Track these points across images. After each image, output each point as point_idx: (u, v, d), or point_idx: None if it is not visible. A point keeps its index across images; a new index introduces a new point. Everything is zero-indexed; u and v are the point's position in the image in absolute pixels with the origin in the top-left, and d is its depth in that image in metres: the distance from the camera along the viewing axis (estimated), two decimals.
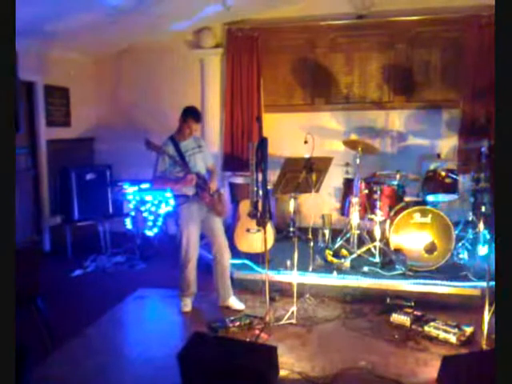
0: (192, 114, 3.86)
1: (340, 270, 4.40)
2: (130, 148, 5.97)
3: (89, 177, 5.78)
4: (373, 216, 4.73)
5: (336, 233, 5.09)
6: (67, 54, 6.00)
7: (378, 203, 4.67)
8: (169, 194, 5.40)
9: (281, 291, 4.19)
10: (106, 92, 6.58)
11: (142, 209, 5.84)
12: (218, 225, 4.01)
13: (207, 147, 4.20)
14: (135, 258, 5.45)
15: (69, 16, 4.63)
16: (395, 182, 4.82)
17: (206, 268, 4.19)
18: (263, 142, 3.55)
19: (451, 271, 4.30)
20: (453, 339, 3.33)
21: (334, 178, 5.23)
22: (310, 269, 4.38)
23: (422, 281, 4.14)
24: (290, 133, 5.95)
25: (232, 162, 6.14)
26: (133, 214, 5.88)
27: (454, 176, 4.66)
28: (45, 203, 5.80)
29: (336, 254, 4.72)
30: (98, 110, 6.61)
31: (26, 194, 5.60)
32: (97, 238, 5.66)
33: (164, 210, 5.90)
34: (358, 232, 4.80)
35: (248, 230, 4.69)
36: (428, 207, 4.45)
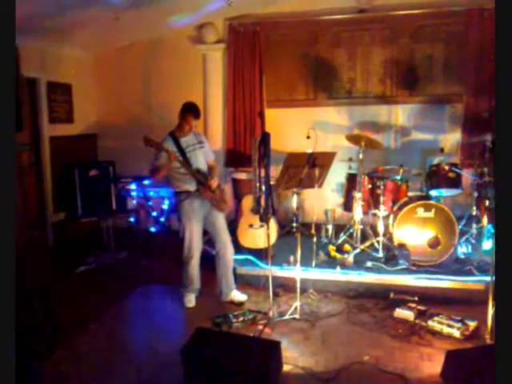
0: (191, 110, 3.84)
1: (343, 265, 4.40)
2: (133, 144, 5.89)
3: (92, 173, 5.77)
4: (376, 211, 4.72)
5: (339, 228, 5.09)
6: (69, 51, 5.99)
7: (382, 198, 4.66)
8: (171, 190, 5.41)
9: (284, 286, 4.20)
10: (109, 88, 6.58)
11: (145, 205, 5.84)
12: (220, 220, 4.01)
13: (208, 143, 4.18)
14: (138, 254, 5.46)
15: (70, 12, 4.62)
16: (398, 177, 4.80)
17: (210, 264, 4.19)
18: (265, 138, 3.54)
19: (455, 266, 4.29)
20: (456, 334, 3.33)
21: (337, 173, 5.22)
22: (314, 264, 4.38)
23: (425, 275, 4.13)
24: (292, 128, 5.93)
25: (235, 157, 6.13)
26: (136, 210, 5.88)
27: (458, 170, 4.64)
28: (48, 200, 5.81)
29: (339, 250, 4.72)
30: (101, 106, 6.61)
31: (30, 191, 5.61)
32: (100, 234, 5.68)
33: (167, 205, 5.90)
34: (362, 227, 4.79)
35: (251, 226, 4.68)
36: (431, 202, 4.44)
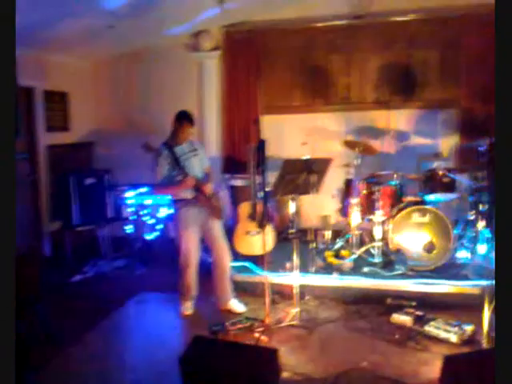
0: (186, 118, 3.86)
1: (340, 271, 4.40)
2: (129, 152, 5.96)
3: (88, 181, 5.77)
4: (372, 216, 4.73)
5: (336, 234, 5.09)
6: (66, 59, 6.01)
7: (378, 203, 4.67)
8: (168, 198, 5.41)
9: (281, 293, 4.19)
10: (105, 96, 6.59)
11: (142, 213, 5.84)
12: (217, 228, 4.01)
13: (202, 150, 4.19)
14: (135, 262, 5.44)
15: (66, 21, 4.64)
16: (394, 182, 4.82)
17: (207, 271, 4.19)
18: (262, 144, 3.56)
19: (451, 270, 4.29)
20: (453, 338, 3.33)
21: (333, 179, 5.22)
22: (311, 270, 4.37)
23: (422, 280, 4.13)
24: (289, 134, 5.95)
25: (231, 164, 6.14)
26: (132, 218, 5.87)
27: (453, 175, 4.66)
28: (44, 208, 5.80)
29: (336, 255, 4.71)
30: (97, 114, 6.62)
31: (26, 200, 5.60)
32: (96, 242, 5.66)
33: (163, 213, 5.90)
34: (358, 233, 4.80)
35: (248, 233, 4.68)
36: (427, 207, 4.45)
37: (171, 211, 4.88)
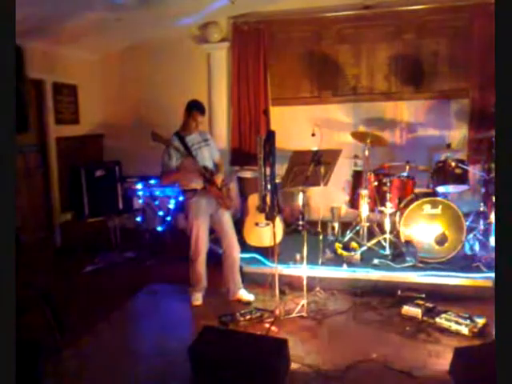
0: (196, 107, 3.87)
1: (350, 263, 4.39)
2: (139, 144, 5.98)
3: (98, 173, 5.79)
4: (382, 208, 4.70)
5: (345, 226, 5.07)
6: (75, 52, 6.02)
7: (388, 195, 4.64)
8: (178, 189, 5.42)
9: (290, 285, 4.19)
10: (114, 88, 6.60)
11: (152, 204, 5.86)
12: (226, 219, 4.01)
13: (213, 141, 4.19)
14: (145, 253, 5.47)
15: (75, 14, 4.64)
16: (405, 174, 4.78)
17: (216, 262, 4.20)
18: (271, 136, 3.54)
19: (462, 262, 4.27)
20: (465, 331, 3.31)
21: (342, 171, 5.20)
22: (320, 262, 4.36)
23: (433, 272, 4.11)
24: (297, 126, 5.92)
25: (240, 156, 6.13)
26: (142, 209, 5.90)
27: (465, 166, 4.61)
28: (55, 200, 5.85)
29: (346, 247, 4.70)
30: (106, 106, 6.63)
31: (37, 192, 5.65)
32: (107, 234, 5.70)
33: (173, 205, 5.91)
34: (368, 224, 4.78)
35: (257, 224, 4.68)
36: (438, 198, 4.41)
37: (181, 202, 4.89)
